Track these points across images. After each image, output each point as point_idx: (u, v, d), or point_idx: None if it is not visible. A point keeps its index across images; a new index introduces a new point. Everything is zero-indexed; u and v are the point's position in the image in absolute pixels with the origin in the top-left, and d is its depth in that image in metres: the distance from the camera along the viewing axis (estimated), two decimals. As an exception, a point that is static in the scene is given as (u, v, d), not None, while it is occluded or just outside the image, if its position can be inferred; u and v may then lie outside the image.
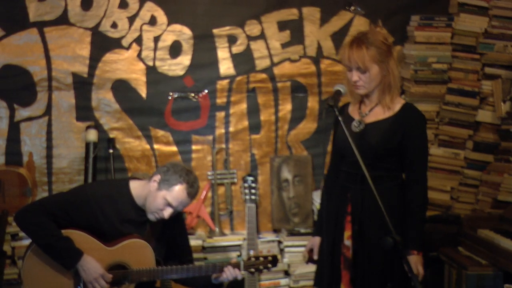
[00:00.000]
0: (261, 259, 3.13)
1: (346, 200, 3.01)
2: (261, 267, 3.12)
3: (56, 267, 3.02)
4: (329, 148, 4.34)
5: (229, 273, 3.06)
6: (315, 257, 3.20)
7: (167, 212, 3.03)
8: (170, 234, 3.22)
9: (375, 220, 2.90)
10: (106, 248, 3.04)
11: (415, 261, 2.89)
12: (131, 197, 3.10)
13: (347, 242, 2.99)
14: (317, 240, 3.19)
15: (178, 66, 4.28)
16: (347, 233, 3.00)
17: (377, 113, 2.99)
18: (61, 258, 3.00)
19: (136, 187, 3.11)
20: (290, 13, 4.35)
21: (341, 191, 3.04)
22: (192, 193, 3.05)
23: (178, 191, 3.01)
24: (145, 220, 3.12)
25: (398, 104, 2.98)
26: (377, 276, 2.97)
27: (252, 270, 3.12)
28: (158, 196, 3.01)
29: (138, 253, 3.05)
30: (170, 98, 4.30)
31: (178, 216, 3.22)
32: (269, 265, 3.13)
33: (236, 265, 3.09)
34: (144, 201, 3.08)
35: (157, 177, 3.05)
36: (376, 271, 2.96)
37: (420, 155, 3.00)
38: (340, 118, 2.72)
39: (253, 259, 3.12)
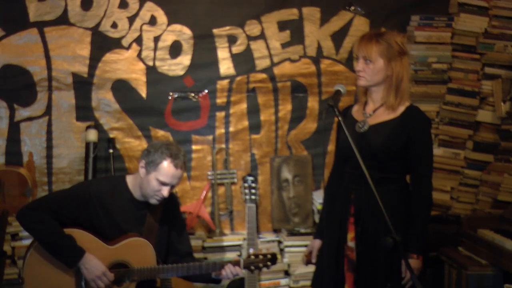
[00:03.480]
0: (261, 257, 3.12)
1: (349, 202, 2.99)
2: (260, 265, 3.12)
3: (57, 265, 3.02)
4: (330, 148, 4.36)
5: (228, 271, 3.06)
6: (313, 260, 3.20)
7: (165, 191, 3.04)
8: (169, 228, 3.23)
9: (378, 221, 2.88)
10: (108, 246, 3.06)
11: (412, 266, 2.87)
12: (129, 192, 3.13)
13: (351, 243, 2.98)
14: (317, 243, 3.19)
15: (178, 66, 4.28)
16: (351, 235, 2.98)
17: (381, 115, 2.97)
18: (63, 256, 3.01)
19: (131, 181, 3.15)
20: (290, 13, 4.35)
21: (345, 193, 3.02)
22: (179, 163, 3.04)
23: (165, 167, 3.02)
24: (144, 213, 3.14)
25: (402, 107, 2.96)
26: (381, 277, 2.95)
27: (252, 268, 3.11)
28: (150, 179, 3.03)
29: (139, 251, 3.07)
30: (170, 98, 4.30)
31: (175, 209, 3.26)
32: (269, 263, 3.13)
33: (236, 263, 3.09)
34: (140, 192, 3.11)
35: (142, 163, 3.08)
36: (379, 273, 2.95)
37: (425, 158, 2.96)
38: (340, 118, 2.70)
39: (252, 257, 3.12)
